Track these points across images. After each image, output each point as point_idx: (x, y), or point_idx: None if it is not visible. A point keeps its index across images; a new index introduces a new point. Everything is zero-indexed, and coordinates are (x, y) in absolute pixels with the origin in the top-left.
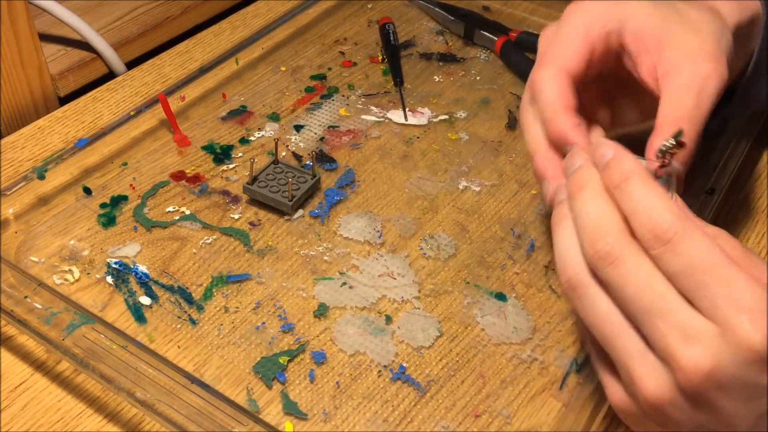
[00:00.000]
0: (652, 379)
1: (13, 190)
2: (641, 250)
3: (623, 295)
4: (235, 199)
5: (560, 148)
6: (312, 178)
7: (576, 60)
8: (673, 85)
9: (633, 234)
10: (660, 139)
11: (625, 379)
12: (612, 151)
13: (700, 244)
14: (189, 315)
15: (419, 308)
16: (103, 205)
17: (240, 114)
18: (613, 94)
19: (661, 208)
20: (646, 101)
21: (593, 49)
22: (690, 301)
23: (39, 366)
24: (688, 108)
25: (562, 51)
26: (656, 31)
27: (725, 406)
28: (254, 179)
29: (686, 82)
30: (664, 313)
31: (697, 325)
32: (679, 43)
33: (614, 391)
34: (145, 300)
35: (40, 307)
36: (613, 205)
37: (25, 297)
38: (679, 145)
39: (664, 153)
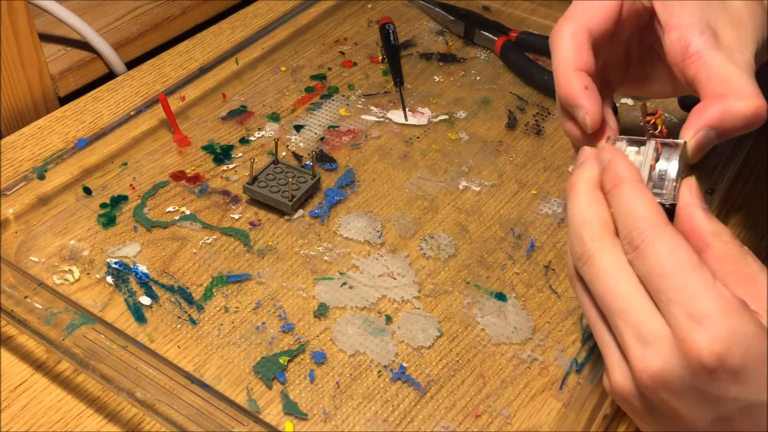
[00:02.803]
0: (619, 372)
1: (13, 190)
2: (615, 252)
3: (594, 292)
4: (235, 199)
5: (569, 108)
6: (312, 178)
7: (600, 18)
8: (708, 77)
9: (615, 233)
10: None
11: (605, 367)
12: (609, 155)
13: (665, 250)
14: (189, 315)
15: (419, 308)
16: (103, 205)
17: (240, 114)
18: (639, 58)
19: (638, 215)
20: (666, 73)
21: (621, 8)
22: (657, 305)
23: (39, 366)
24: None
25: (587, 6)
26: (690, 7)
27: (678, 407)
28: (254, 179)
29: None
30: (624, 312)
31: (653, 327)
32: (715, 28)
33: (605, 374)
34: (145, 300)
35: (40, 307)
36: (597, 206)
37: (25, 297)
38: (651, 114)
39: (648, 126)
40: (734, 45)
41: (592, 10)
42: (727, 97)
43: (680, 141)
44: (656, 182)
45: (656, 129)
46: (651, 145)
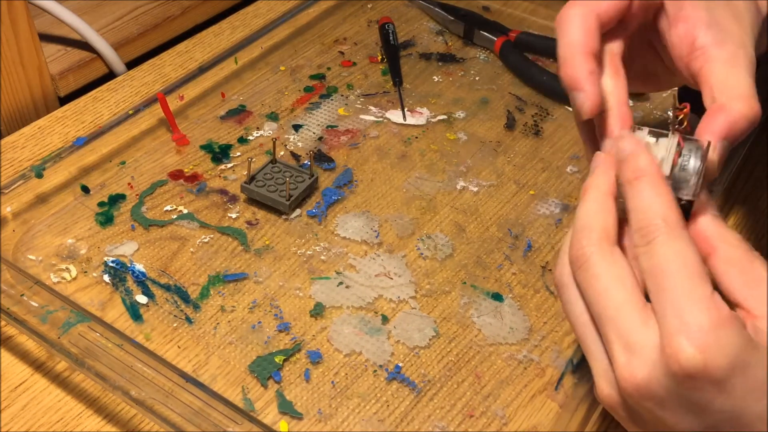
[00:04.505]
0: (604, 381)
1: (12, 188)
2: (611, 260)
3: (586, 298)
4: (233, 199)
5: (570, 91)
6: (310, 178)
7: (610, 3)
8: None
9: (615, 242)
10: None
11: (593, 376)
12: (630, 146)
13: (674, 251)
14: (185, 314)
15: (416, 308)
16: (101, 204)
17: (239, 113)
18: (639, 55)
19: (656, 211)
20: (661, 70)
21: None
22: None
23: (39, 366)
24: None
25: None
26: (699, 2)
27: (663, 417)
28: (252, 178)
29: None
30: (613, 320)
31: (640, 336)
32: (721, 24)
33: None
34: (141, 299)
35: (36, 305)
36: (602, 214)
37: (22, 295)
38: (679, 108)
39: (675, 120)
40: (738, 39)
41: None
42: (728, 104)
43: (704, 140)
44: (676, 176)
45: (681, 125)
46: (674, 139)
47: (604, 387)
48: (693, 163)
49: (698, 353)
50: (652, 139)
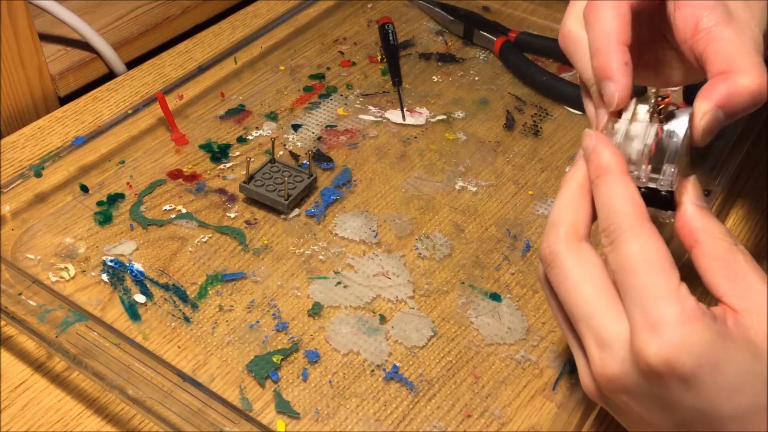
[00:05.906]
0: (585, 374)
1: (10, 187)
2: (579, 256)
3: (558, 295)
4: (232, 198)
5: (601, 81)
6: (308, 178)
7: None
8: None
9: (584, 237)
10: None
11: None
12: (593, 143)
13: (636, 247)
14: (183, 313)
15: (414, 308)
16: (100, 203)
17: (238, 113)
18: (649, 44)
19: (617, 209)
20: (674, 59)
21: None
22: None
23: (39, 366)
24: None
25: None
26: None
27: (638, 411)
28: (251, 178)
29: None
30: (584, 317)
31: (611, 331)
32: (728, 6)
33: None
34: (140, 298)
35: (34, 304)
36: (573, 209)
37: (20, 294)
38: (663, 98)
39: (655, 109)
40: (744, 21)
41: None
42: (732, 74)
43: (683, 125)
44: (654, 166)
45: (660, 114)
46: (653, 128)
47: (585, 378)
48: (669, 153)
49: (663, 350)
50: (644, 107)
